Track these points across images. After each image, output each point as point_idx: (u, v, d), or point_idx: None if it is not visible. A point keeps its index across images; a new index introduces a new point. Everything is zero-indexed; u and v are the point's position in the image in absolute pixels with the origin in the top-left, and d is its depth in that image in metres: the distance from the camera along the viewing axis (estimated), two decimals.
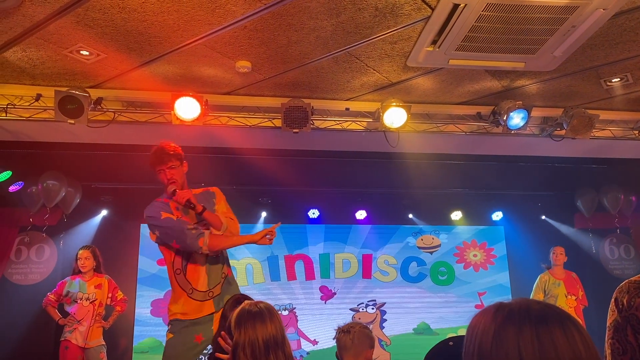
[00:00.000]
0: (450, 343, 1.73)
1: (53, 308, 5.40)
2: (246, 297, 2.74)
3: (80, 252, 5.47)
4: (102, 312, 5.46)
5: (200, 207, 3.17)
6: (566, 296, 5.89)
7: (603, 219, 7.43)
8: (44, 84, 4.37)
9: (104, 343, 5.45)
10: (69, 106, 4.17)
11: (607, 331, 1.57)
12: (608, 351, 1.54)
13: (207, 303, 3.23)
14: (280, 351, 2.11)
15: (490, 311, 1.01)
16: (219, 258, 3.34)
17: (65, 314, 5.39)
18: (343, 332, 2.85)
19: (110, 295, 5.53)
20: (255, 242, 3.22)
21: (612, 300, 1.58)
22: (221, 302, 3.18)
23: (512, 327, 0.96)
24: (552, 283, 5.96)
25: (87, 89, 4.30)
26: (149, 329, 6.90)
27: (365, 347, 2.81)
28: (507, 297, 7.63)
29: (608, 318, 1.58)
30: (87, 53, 3.85)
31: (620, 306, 1.53)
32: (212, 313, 3.22)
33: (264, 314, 2.17)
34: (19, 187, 6.06)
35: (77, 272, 5.45)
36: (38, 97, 4.34)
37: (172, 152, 3.24)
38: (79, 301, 5.31)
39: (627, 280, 1.61)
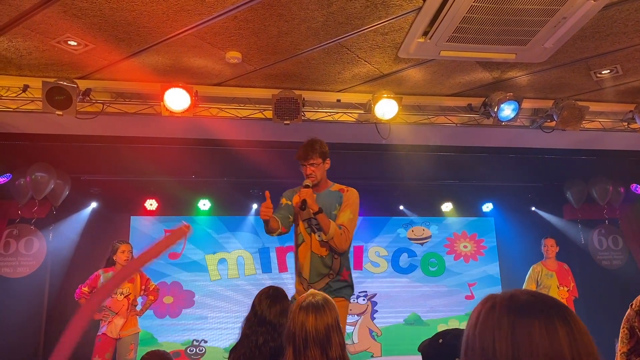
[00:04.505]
0: (440, 340, 1.73)
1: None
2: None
3: (123, 245, 5.32)
4: (136, 304, 5.42)
5: (316, 208, 3.24)
6: (558, 287, 5.90)
7: (592, 210, 7.49)
8: (31, 74, 4.31)
9: (139, 330, 5.39)
10: (56, 97, 4.12)
11: (622, 324, 2.10)
12: (621, 336, 2.08)
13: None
14: None
15: (480, 302, 0.99)
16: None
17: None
18: None
19: (143, 287, 5.47)
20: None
21: (630, 305, 2.12)
22: None
23: (490, 319, 0.93)
24: (544, 274, 5.97)
25: (75, 80, 4.25)
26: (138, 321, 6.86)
27: None
28: (497, 288, 7.70)
29: (624, 317, 2.12)
30: (75, 43, 3.80)
31: (633, 305, 2.07)
32: None
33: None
34: (7, 180, 6.00)
35: (111, 264, 5.31)
36: (25, 88, 4.29)
37: (316, 149, 3.38)
38: (113, 295, 5.20)
39: None
